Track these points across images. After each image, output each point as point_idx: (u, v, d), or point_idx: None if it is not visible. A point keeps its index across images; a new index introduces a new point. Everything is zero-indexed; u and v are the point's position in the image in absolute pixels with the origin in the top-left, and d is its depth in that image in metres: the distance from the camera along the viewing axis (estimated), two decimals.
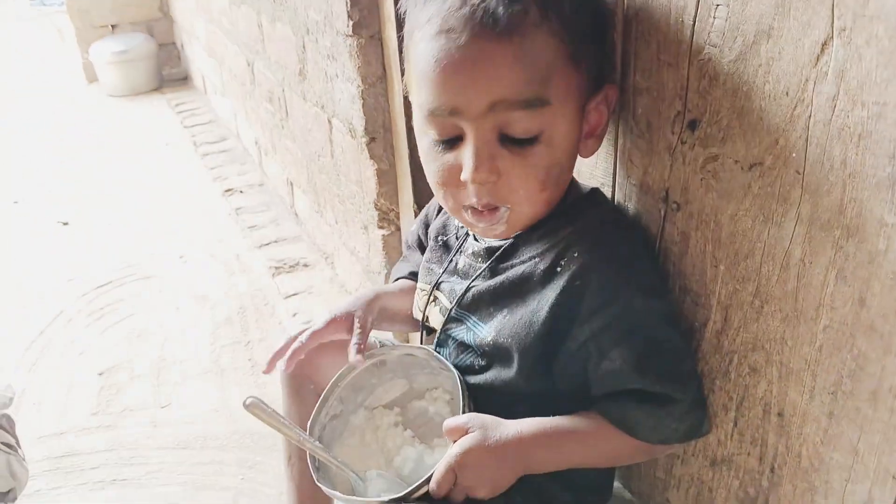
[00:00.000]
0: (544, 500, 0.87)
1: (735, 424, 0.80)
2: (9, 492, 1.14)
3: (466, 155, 0.73)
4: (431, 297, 0.93)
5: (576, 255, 0.77)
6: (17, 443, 1.19)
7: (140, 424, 1.57)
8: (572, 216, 0.82)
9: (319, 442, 0.88)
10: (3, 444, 1.15)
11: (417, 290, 0.98)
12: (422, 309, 0.95)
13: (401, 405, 0.95)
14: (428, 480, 0.75)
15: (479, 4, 0.67)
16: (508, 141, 0.72)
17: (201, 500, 1.35)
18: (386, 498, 0.78)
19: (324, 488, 0.81)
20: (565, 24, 0.70)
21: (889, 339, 0.59)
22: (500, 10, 0.67)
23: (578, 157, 0.82)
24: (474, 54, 0.68)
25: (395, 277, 1.09)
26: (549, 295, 0.77)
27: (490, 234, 0.84)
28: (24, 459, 1.18)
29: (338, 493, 0.81)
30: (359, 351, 0.87)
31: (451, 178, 0.76)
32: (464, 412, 0.80)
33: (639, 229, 0.86)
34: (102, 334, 1.93)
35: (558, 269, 0.78)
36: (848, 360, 0.63)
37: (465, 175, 0.73)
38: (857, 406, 0.64)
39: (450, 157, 0.76)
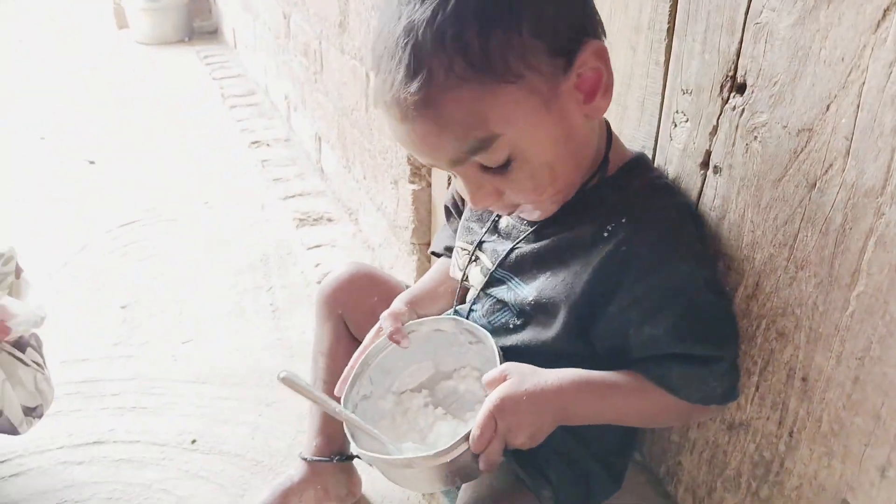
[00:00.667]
0: (573, 467, 0.90)
1: (757, 389, 0.82)
2: (35, 408, 1.17)
3: (461, 186, 0.79)
4: (473, 257, 0.94)
5: (623, 220, 0.77)
6: (44, 362, 1.22)
7: (161, 357, 1.60)
8: (619, 184, 0.82)
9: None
10: (33, 361, 1.18)
11: (457, 249, 0.99)
12: (462, 268, 0.96)
13: (429, 388, 0.96)
14: (467, 437, 0.75)
15: (393, 91, 0.69)
16: (489, 170, 0.74)
17: (219, 432, 1.38)
18: (431, 453, 0.76)
19: (363, 453, 0.81)
20: (477, 61, 0.66)
21: None
22: (404, 94, 0.68)
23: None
24: (412, 131, 0.71)
25: (434, 250, 1.12)
26: (594, 259, 0.78)
27: (533, 217, 0.86)
28: (49, 378, 1.22)
29: (378, 456, 0.80)
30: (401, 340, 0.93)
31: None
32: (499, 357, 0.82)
33: (684, 196, 0.86)
34: (125, 270, 1.96)
35: (605, 234, 0.78)
36: (879, 326, 0.65)
37: (469, 204, 0.79)
38: (885, 371, 0.65)
39: (458, 181, 0.80)
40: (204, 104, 3.28)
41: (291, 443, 1.35)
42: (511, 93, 0.68)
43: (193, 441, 1.36)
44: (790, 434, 0.78)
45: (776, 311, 0.76)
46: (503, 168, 0.73)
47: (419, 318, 0.97)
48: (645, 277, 0.75)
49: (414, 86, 0.67)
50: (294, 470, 1.17)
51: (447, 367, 0.96)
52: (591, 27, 0.73)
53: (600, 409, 0.81)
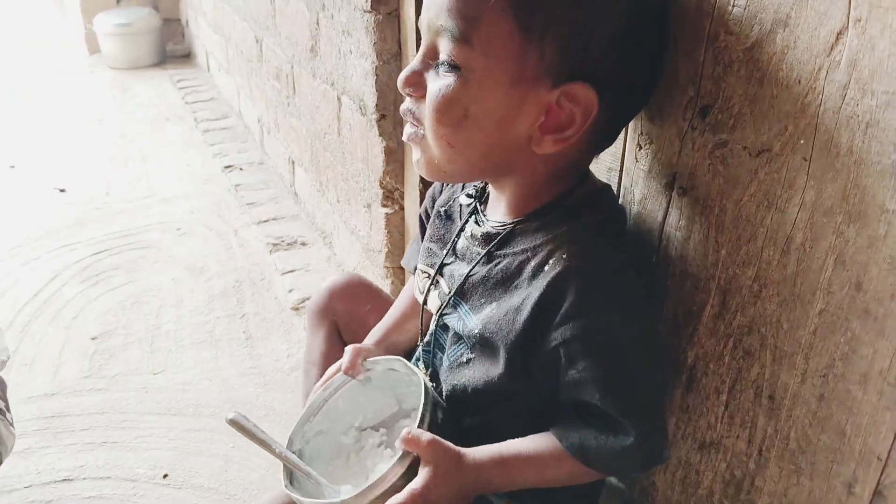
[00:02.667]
0: (547, 499, 0.89)
1: (726, 408, 0.82)
2: None
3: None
4: (434, 282, 0.93)
5: (564, 256, 0.76)
6: (7, 406, 1.17)
7: (132, 389, 1.57)
8: (572, 214, 0.81)
9: (301, 455, 0.90)
10: None
11: (418, 273, 0.98)
12: (423, 292, 0.95)
13: (388, 426, 0.95)
14: (373, 485, 0.77)
15: None
16: (438, 65, 0.74)
17: (191, 465, 1.35)
18: (345, 497, 0.78)
19: (293, 495, 0.82)
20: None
21: (883, 322, 0.61)
22: None
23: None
24: None
25: (405, 265, 1.12)
26: (534, 293, 0.77)
27: (414, 159, 0.84)
28: (11, 424, 1.17)
29: (303, 499, 0.81)
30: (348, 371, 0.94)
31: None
32: (421, 421, 0.80)
33: (632, 245, 0.87)
34: (97, 300, 1.93)
35: (546, 267, 0.77)
36: (841, 344, 0.66)
37: (399, 77, 0.78)
38: (848, 388, 0.66)
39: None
40: (177, 129, 3.26)
41: (265, 474, 1.33)
42: (511, 34, 0.69)
43: (165, 475, 1.33)
44: (759, 452, 0.78)
45: (742, 329, 0.77)
46: (447, 67, 0.73)
47: (389, 351, 0.97)
48: (574, 320, 0.74)
49: None
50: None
51: (408, 406, 0.95)
52: (620, 88, 0.75)
53: (518, 481, 0.82)
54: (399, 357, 0.94)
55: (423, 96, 0.76)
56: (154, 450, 1.40)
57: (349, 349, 0.96)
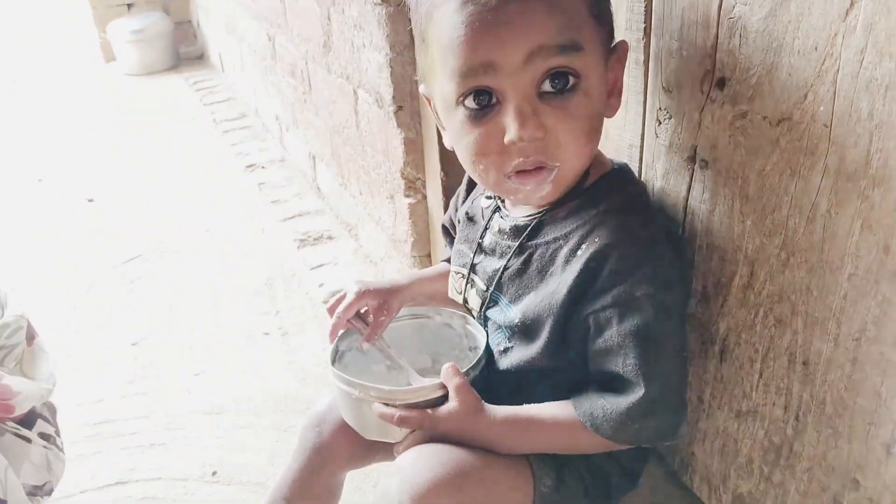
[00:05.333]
0: (592, 472, 0.91)
1: (760, 376, 0.83)
2: (44, 485, 1.12)
3: (509, 116, 0.72)
4: (469, 281, 0.96)
5: (597, 239, 0.78)
6: (57, 431, 1.16)
7: (175, 391, 1.62)
8: (598, 197, 0.82)
9: (342, 356, 1.01)
10: (40, 434, 1.13)
11: (452, 273, 1.01)
12: (460, 292, 0.98)
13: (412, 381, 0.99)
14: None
15: None
16: (548, 96, 0.72)
17: (239, 461, 1.39)
18: (382, 387, 0.87)
19: (336, 372, 0.91)
20: None
21: None
22: None
23: (607, 121, 0.83)
24: (506, 9, 0.69)
25: (440, 261, 1.14)
26: (568, 277, 0.79)
27: (535, 196, 0.81)
28: (61, 449, 1.15)
29: (345, 376, 0.89)
30: (367, 340, 0.99)
31: (491, 145, 0.75)
32: (472, 368, 0.88)
33: (661, 216, 0.88)
34: (133, 306, 1.98)
35: (578, 252, 0.79)
36: (872, 307, 0.66)
37: (511, 135, 0.72)
38: (881, 351, 0.66)
39: (486, 125, 0.75)
40: (197, 131, 3.30)
41: None
42: (596, 27, 0.75)
43: (214, 473, 1.37)
44: (796, 418, 0.79)
45: (772, 298, 0.77)
46: (566, 93, 0.72)
47: (421, 298, 1.05)
48: (606, 292, 0.77)
49: None
50: None
51: (439, 367, 0.98)
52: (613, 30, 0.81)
53: (529, 444, 0.86)
54: (464, 315, 0.99)
55: (545, 131, 0.73)
56: (202, 449, 1.44)
57: (370, 318, 1.00)
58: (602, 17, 0.76)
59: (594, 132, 0.78)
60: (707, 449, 0.96)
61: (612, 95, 0.81)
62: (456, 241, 1.02)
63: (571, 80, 0.72)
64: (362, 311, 1.00)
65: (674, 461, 1.05)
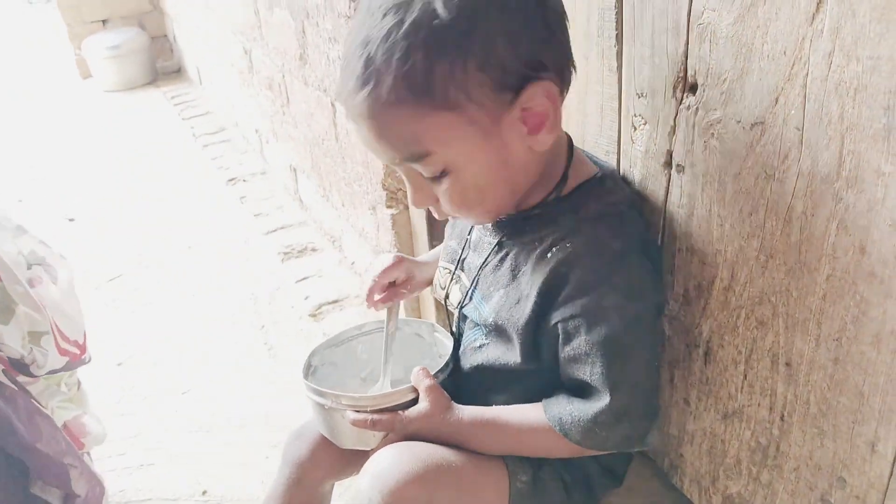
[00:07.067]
0: (571, 470, 0.92)
1: (745, 377, 0.83)
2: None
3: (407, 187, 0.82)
4: (455, 276, 0.97)
5: (568, 245, 0.80)
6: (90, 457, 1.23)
7: (163, 411, 1.61)
8: (577, 204, 0.83)
9: (314, 372, 1.02)
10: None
11: (439, 269, 1.01)
12: (443, 287, 0.99)
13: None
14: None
15: (345, 94, 0.73)
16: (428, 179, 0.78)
17: (229, 479, 1.38)
18: (352, 394, 0.89)
19: (309, 385, 0.92)
20: (418, 86, 0.68)
21: (889, 283, 0.62)
22: (352, 101, 0.72)
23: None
24: (359, 131, 0.76)
25: None
26: (538, 280, 0.81)
27: (476, 223, 0.92)
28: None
29: (316, 387, 0.91)
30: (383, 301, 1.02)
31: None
32: (441, 371, 0.92)
33: (639, 224, 0.87)
34: (118, 325, 1.96)
35: (549, 255, 0.81)
36: (851, 307, 0.66)
37: (409, 202, 0.82)
38: (862, 350, 0.67)
39: None
40: (177, 146, 3.29)
41: None
42: (448, 119, 0.71)
43: (204, 492, 1.36)
44: (781, 418, 0.79)
45: (753, 300, 0.78)
46: (438, 178, 0.76)
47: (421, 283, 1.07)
48: (574, 300, 0.78)
49: (360, 96, 0.71)
50: None
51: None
52: (551, 62, 0.74)
53: (496, 445, 0.88)
54: (432, 322, 1.03)
55: (437, 200, 0.80)
56: (191, 468, 1.43)
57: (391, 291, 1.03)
58: (474, 94, 0.69)
59: (501, 181, 0.78)
60: (695, 450, 0.97)
61: (540, 130, 0.75)
62: (447, 237, 1.03)
63: (436, 172, 0.75)
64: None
65: (663, 463, 1.05)
